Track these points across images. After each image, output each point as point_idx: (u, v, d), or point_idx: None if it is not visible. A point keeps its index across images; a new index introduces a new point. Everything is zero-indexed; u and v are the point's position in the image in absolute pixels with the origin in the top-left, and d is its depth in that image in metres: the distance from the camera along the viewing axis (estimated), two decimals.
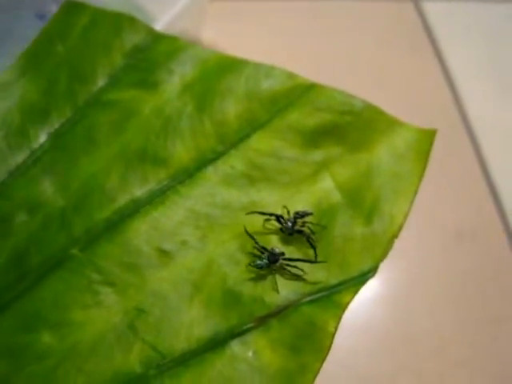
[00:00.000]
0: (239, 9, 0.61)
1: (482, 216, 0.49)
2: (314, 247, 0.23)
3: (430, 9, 0.64)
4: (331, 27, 0.62)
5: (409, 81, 0.57)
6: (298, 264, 0.23)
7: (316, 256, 0.23)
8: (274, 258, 0.23)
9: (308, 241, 0.23)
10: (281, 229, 0.24)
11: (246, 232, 0.23)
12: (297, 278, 0.23)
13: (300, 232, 0.24)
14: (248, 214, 0.24)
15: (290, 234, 0.24)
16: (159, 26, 0.40)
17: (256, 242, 0.23)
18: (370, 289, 0.44)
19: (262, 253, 0.23)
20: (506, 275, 0.45)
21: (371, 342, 0.42)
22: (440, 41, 0.61)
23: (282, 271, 0.23)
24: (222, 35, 0.54)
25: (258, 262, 0.23)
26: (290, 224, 0.24)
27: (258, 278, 0.23)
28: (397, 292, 0.44)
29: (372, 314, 0.43)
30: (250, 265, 0.23)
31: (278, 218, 0.24)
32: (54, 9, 0.38)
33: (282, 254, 0.23)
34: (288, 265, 0.23)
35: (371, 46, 0.60)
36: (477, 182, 0.50)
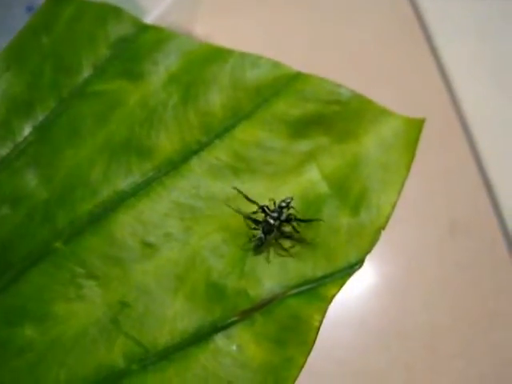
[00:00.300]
0: (232, 2, 0.60)
1: (476, 209, 0.48)
2: (301, 240, 0.23)
3: (425, 4, 0.63)
4: (326, 21, 0.61)
5: (403, 76, 0.57)
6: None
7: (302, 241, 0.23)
8: (269, 227, 0.23)
9: (294, 229, 0.23)
10: (265, 220, 0.24)
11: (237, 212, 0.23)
12: (290, 254, 0.23)
13: (288, 221, 0.23)
14: (230, 206, 0.24)
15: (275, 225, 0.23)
16: (150, 18, 0.40)
17: (248, 217, 0.23)
18: (364, 283, 0.43)
19: (256, 225, 0.23)
20: (500, 269, 0.45)
21: (365, 336, 0.42)
22: (435, 36, 0.60)
23: (276, 246, 0.23)
24: (215, 29, 0.54)
25: (260, 234, 0.23)
26: (275, 215, 0.23)
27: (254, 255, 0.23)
28: (391, 286, 0.44)
29: (366, 308, 0.43)
30: (250, 240, 0.23)
31: (263, 208, 0.24)
32: (42, 1, 0.37)
33: (278, 218, 0.23)
34: (282, 235, 0.23)
35: (365, 41, 0.60)
36: (471, 175, 0.50)
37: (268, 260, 0.23)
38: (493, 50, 0.60)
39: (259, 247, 0.23)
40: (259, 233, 0.23)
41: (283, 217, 0.23)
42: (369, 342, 0.41)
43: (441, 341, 0.41)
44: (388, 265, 0.44)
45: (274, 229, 0.23)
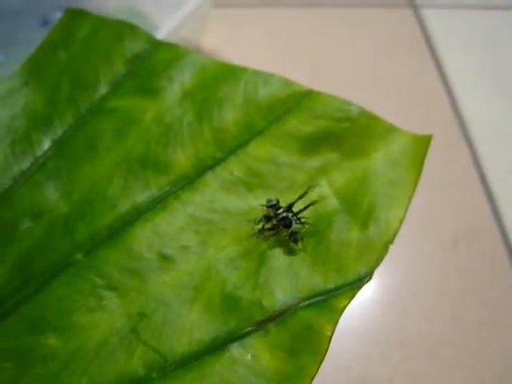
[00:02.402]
0: (240, 16, 0.61)
1: (479, 222, 0.49)
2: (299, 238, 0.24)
3: (429, 16, 0.64)
4: (331, 34, 0.62)
5: (407, 87, 0.58)
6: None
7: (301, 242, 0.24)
8: (286, 221, 0.24)
9: (294, 234, 0.24)
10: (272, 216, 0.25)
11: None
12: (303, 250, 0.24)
13: (287, 224, 0.24)
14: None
15: (281, 225, 0.24)
16: (162, 33, 0.41)
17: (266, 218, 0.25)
18: (368, 292, 0.44)
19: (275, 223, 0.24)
20: (502, 280, 0.46)
21: (368, 344, 0.42)
22: (439, 48, 0.61)
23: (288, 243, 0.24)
24: (223, 42, 0.54)
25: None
26: (282, 212, 0.24)
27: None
28: (393, 296, 0.45)
29: (369, 317, 0.44)
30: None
31: (273, 206, 0.25)
32: (58, 16, 0.38)
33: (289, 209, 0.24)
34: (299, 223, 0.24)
35: (370, 53, 0.61)
36: (474, 188, 0.51)
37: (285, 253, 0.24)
38: (496, 62, 0.61)
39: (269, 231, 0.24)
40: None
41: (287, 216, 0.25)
42: (371, 350, 0.42)
43: (442, 350, 0.42)
44: (391, 274, 0.45)
45: (291, 221, 0.24)
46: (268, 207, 0.25)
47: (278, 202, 0.25)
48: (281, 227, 0.24)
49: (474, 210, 0.50)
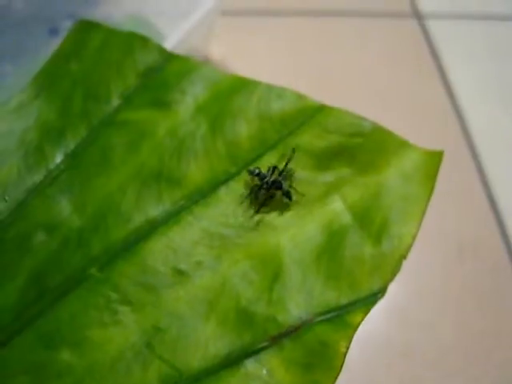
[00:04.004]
0: (248, 24, 0.61)
1: (483, 231, 0.50)
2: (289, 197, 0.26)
3: (434, 27, 0.64)
4: (337, 42, 0.62)
5: (412, 98, 0.58)
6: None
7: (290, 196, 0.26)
8: (278, 184, 0.25)
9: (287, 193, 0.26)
10: (261, 185, 0.26)
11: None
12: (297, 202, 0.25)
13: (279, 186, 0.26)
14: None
15: (269, 188, 0.26)
16: (170, 42, 0.41)
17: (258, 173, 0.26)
18: None
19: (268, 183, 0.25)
20: (505, 289, 0.46)
21: (371, 353, 0.43)
22: (443, 58, 0.61)
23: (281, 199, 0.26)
24: (230, 50, 0.54)
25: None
26: (267, 176, 0.26)
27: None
28: (397, 304, 0.45)
29: (372, 326, 0.44)
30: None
31: (259, 173, 0.26)
32: (67, 24, 0.38)
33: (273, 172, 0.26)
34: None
35: (375, 62, 0.61)
36: (478, 198, 0.51)
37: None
38: (501, 73, 0.62)
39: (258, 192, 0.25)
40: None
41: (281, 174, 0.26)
42: (375, 359, 0.42)
43: (445, 359, 0.42)
44: (396, 283, 0.45)
45: (281, 182, 0.25)
46: (254, 175, 0.26)
47: (260, 170, 0.26)
48: (273, 190, 0.25)
49: (479, 220, 0.50)
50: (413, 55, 0.62)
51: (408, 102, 0.57)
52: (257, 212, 0.25)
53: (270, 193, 0.25)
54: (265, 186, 0.25)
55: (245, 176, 0.26)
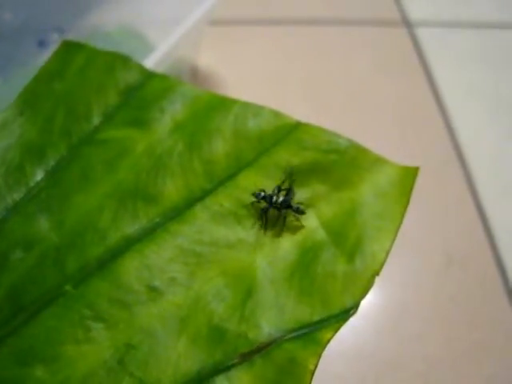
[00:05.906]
0: (236, 33, 0.62)
1: (472, 244, 0.49)
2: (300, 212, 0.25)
3: (423, 35, 0.64)
4: (326, 51, 0.62)
5: (400, 105, 0.58)
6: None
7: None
8: (286, 203, 0.25)
9: (297, 210, 0.25)
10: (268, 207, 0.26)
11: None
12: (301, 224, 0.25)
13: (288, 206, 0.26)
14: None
15: (279, 209, 0.26)
16: (159, 52, 0.41)
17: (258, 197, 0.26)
18: (359, 313, 0.44)
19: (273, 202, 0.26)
20: (494, 302, 0.46)
21: (359, 366, 0.42)
22: (432, 66, 0.61)
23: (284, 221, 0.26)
24: (219, 60, 0.55)
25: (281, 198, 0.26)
26: (274, 196, 0.26)
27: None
28: (386, 317, 0.45)
29: (360, 338, 0.44)
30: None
31: (265, 196, 0.26)
32: (55, 36, 0.39)
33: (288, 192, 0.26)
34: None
35: (364, 70, 0.61)
36: (467, 210, 0.51)
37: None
38: (490, 81, 0.61)
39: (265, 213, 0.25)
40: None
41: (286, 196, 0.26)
42: (363, 372, 0.42)
43: (434, 372, 0.42)
44: (384, 295, 0.45)
45: (288, 199, 0.25)
46: (261, 199, 0.26)
47: (265, 192, 0.26)
48: (283, 209, 0.25)
49: (468, 232, 0.50)
50: (402, 63, 0.62)
51: (397, 111, 0.57)
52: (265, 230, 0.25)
53: (283, 213, 0.25)
54: (274, 207, 0.26)
55: (221, 193, 0.26)
